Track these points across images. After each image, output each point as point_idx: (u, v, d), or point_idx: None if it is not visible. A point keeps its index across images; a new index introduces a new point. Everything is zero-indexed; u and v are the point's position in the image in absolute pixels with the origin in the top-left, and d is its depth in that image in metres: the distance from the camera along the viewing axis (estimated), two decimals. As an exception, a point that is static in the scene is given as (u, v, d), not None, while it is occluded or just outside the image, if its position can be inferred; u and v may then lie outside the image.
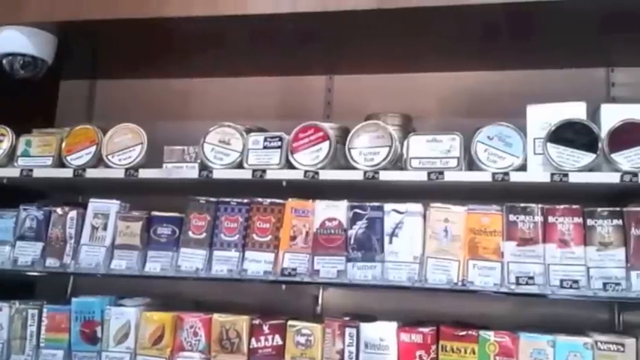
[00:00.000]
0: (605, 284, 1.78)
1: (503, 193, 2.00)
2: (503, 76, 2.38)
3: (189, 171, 2.10)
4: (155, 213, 2.13)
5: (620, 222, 1.82)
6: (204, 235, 2.05)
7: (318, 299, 2.31)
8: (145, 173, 2.12)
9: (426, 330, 1.87)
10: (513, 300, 2.20)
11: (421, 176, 1.96)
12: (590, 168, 1.87)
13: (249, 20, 2.06)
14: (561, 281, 1.81)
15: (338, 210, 2.00)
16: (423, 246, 1.93)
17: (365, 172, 1.99)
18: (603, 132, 1.88)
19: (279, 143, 2.08)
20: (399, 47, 2.27)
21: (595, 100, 2.06)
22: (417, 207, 1.96)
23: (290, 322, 1.96)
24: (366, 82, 2.52)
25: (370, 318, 2.00)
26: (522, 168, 1.94)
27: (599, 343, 1.77)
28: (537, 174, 1.90)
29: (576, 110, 1.93)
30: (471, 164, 2.01)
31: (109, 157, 2.17)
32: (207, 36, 2.20)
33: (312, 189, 2.10)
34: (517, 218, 1.88)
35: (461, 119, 2.35)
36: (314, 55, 2.40)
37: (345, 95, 2.55)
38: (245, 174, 2.06)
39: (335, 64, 2.52)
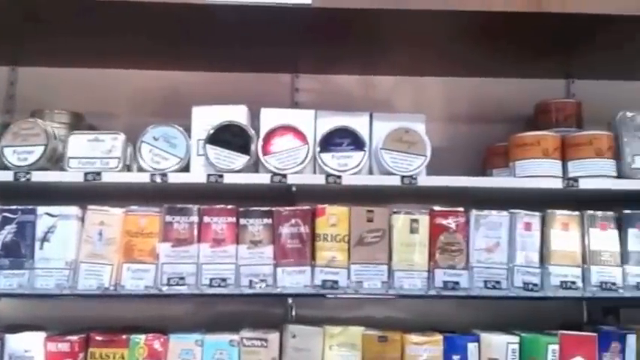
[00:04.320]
0: (251, 281, 1.86)
1: (176, 195, 2.00)
2: (196, 77, 2.36)
3: None
4: None
5: (270, 221, 1.90)
6: None
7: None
8: None
9: (74, 338, 1.79)
10: (195, 300, 2.23)
11: (78, 177, 1.87)
12: (250, 169, 1.94)
13: None
14: (211, 280, 1.84)
15: (-17, 214, 1.83)
16: (77, 251, 1.85)
17: (16, 173, 1.85)
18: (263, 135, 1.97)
19: None
20: (88, 41, 2.14)
21: (280, 105, 2.15)
22: (72, 210, 1.86)
23: None
24: (57, 76, 2.34)
25: (37, 328, 1.88)
26: (186, 169, 1.96)
27: (244, 340, 1.84)
28: (196, 175, 1.92)
29: (237, 113, 1.99)
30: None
31: None
32: None
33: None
34: (173, 219, 1.87)
35: (152, 118, 2.29)
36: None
37: (32, 89, 2.34)
38: None
39: (20, 54, 2.31)
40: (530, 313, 2.08)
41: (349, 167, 1.95)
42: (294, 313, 2.21)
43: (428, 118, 2.34)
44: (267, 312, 2.19)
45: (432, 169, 2.00)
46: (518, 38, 2.08)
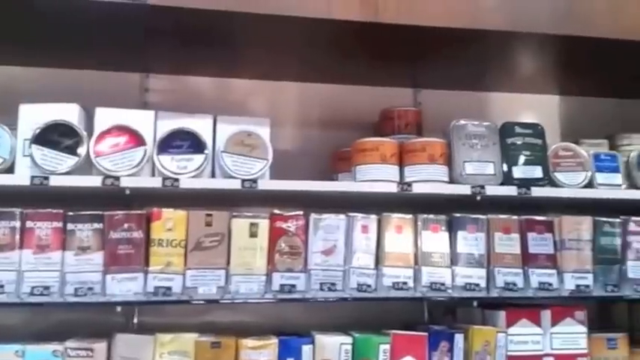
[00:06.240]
0: (76, 289, 1.76)
1: (9, 198, 1.86)
2: (35, 74, 2.22)
3: None
4: None
5: (100, 225, 1.82)
6: None
7: None
8: None
9: None
10: (29, 309, 2.08)
11: None
12: (83, 171, 1.85)
13: None
14: (32, 288, 1.74)
15: None
16: None
17: None
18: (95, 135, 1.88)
19: None
20: None
21: (128, 104, 2.06)
22: None
23: None
24: None
25: None
26: (11, 170, 1.83)
27: (69, 350, 1.75)
28: (19, 177, 1.80)
29: (69, 112, 1.89)
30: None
31: None
32: None
33: None
34: (-7, 224, 1.76)
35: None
36: None
37: None
38: None
39: None
40: (374, 314, 2.13)
41: (189, 170, 1.90)
42: (135, 320, 2.15)
43: (281, 122, 2.37)
44: (107, 320, 2.08)
45: (283, 173, 2.00)
46: (365, 47, 2.13)
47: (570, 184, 2.09)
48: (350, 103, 2.48)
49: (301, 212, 1.95)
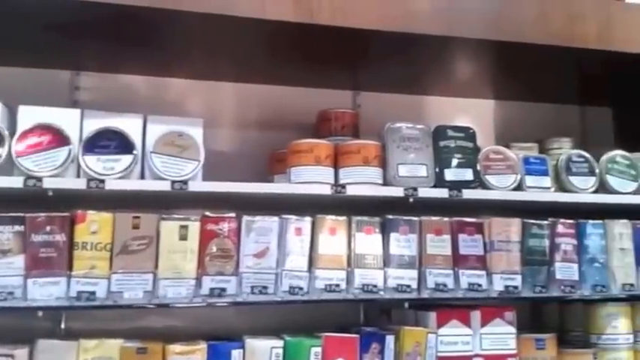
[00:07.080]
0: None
1: None
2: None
3: None
4: None
5: (21, 228, 1.76)
6: None
7: None
8: None
9: None
10: None
11: None
12: (5, 171, 1.77)
13: None
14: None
15: None
16: None
17: None
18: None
19: None
20: None
21: (57, 103, 1.99)
22: None
23: None
24: None
25: None
26: None
27: (-13, 357, 1.69)
28: None
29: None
30: None
31: None
32: None
33: None
34: None
35: None
36: None
37: None
38: None
39: None
40: (310, 317, 2.11)
41: (116, 171, 1.84)
42: (62, 326, 2.08)
43: (218, 123, 2.34)
44: (32, 326, 1.98)
45: (219, 175, 1.95)
46: (303, 48, 2.13)
47: (500, 187, 2.13)
48: (290, 105, 2.47)
49: (233, 214, 1.92)
